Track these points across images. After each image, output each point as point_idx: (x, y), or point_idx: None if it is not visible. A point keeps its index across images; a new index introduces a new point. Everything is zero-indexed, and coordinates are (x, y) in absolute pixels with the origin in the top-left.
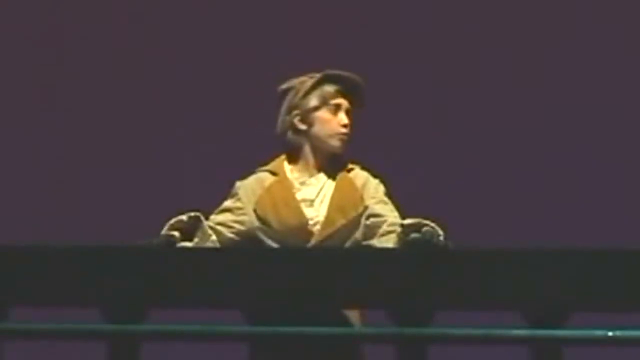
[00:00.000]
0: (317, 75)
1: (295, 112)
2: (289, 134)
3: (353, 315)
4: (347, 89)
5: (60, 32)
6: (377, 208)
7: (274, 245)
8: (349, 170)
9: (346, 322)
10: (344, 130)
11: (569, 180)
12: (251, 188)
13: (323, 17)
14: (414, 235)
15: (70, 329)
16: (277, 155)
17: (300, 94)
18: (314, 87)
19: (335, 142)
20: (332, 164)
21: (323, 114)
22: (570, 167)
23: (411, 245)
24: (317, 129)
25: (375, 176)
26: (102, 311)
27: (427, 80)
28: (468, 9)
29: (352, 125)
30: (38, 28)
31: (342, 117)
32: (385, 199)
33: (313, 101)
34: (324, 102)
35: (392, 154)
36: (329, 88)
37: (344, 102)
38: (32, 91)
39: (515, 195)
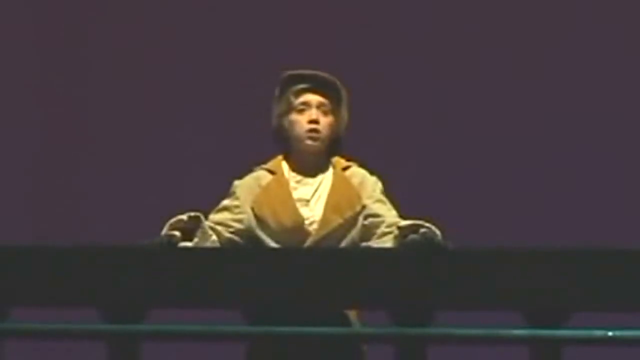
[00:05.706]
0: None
1: (275, 118)
2: (279, 138)
3: (350, 312)
4: (315, 85)
5: (60, 32)
6: (375, 208)
7: (273, 243)
8: (346, 169)
9: (345, 321)
10: (311, 126)
11: (569, 180)
12: (249, 186)
13: (323, 17)
14: (412, 236)
15: (70, 329)
16: (276, 155)
17: (275, 100)
18: (282, 91)
19: (306, 141)
20: (323, 162)
21: (293, 116)
22: (570, 167)
23: (410, 247)
24: (291, 132)
25: (372, 173)
26: (102, 311)
27: (426, 79)
28: (468, 8)
29: (340, 119)
30: (38, 28)
31: (310, 113)
32: (383, 197)
33: (283, 105)
34: (290, 104)
35: (391, 153)
36: (294, 88)
37: (312, 99)
38: (32, 91)
39: (515, 195)
